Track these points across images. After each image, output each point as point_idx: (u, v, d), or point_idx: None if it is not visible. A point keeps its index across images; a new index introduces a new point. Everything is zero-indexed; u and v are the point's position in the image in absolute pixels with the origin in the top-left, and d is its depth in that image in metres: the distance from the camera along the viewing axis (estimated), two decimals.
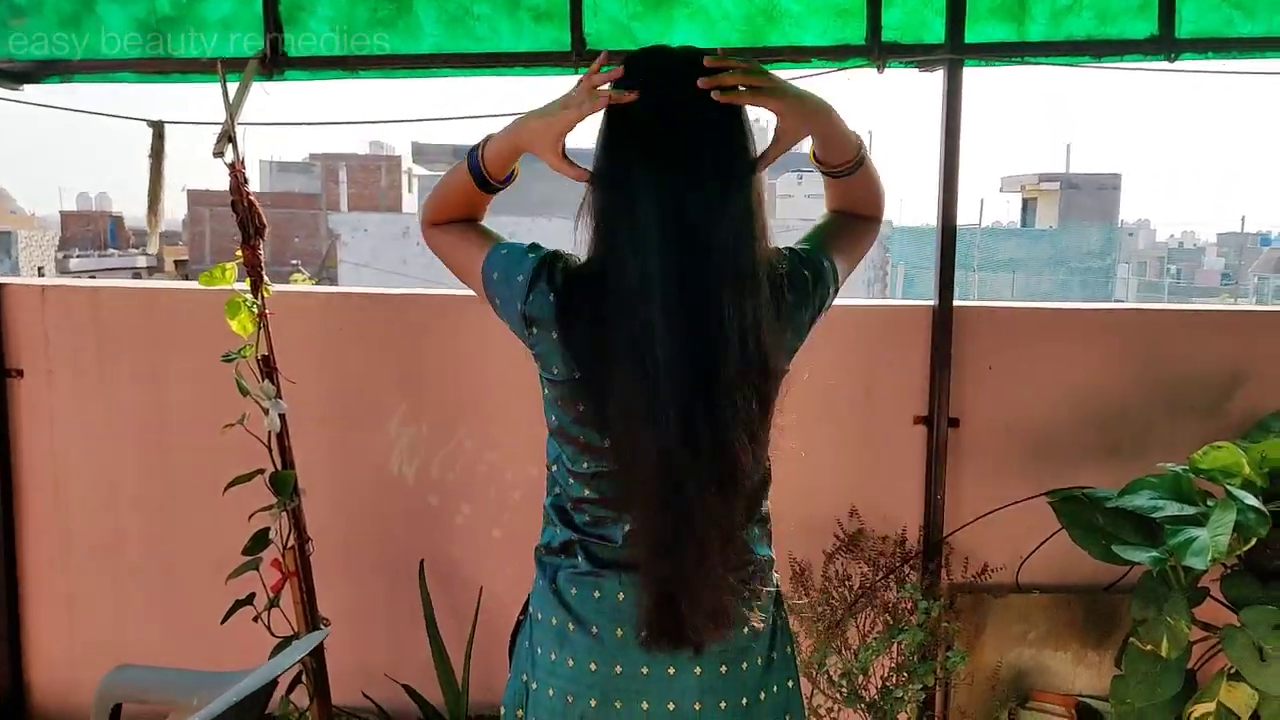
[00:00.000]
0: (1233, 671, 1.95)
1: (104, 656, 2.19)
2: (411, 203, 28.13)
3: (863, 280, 18.77)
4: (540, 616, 1.24)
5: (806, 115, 1.19)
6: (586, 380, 1.15)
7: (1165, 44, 2.33)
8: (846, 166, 1.27)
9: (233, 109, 2.11)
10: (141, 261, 27.25)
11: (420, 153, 27.55)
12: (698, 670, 1.19)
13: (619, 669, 1.19)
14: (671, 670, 1.19)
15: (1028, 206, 29.24)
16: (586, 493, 1.21)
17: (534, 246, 1.24)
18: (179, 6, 2.40)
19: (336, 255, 19.25)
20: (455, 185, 1.27)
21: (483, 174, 1.23)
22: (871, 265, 19.05)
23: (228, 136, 2.05)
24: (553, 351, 1.17)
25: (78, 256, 25.96)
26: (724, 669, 1.21)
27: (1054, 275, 24.07)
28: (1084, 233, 24.46)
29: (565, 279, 1.17)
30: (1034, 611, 2.43)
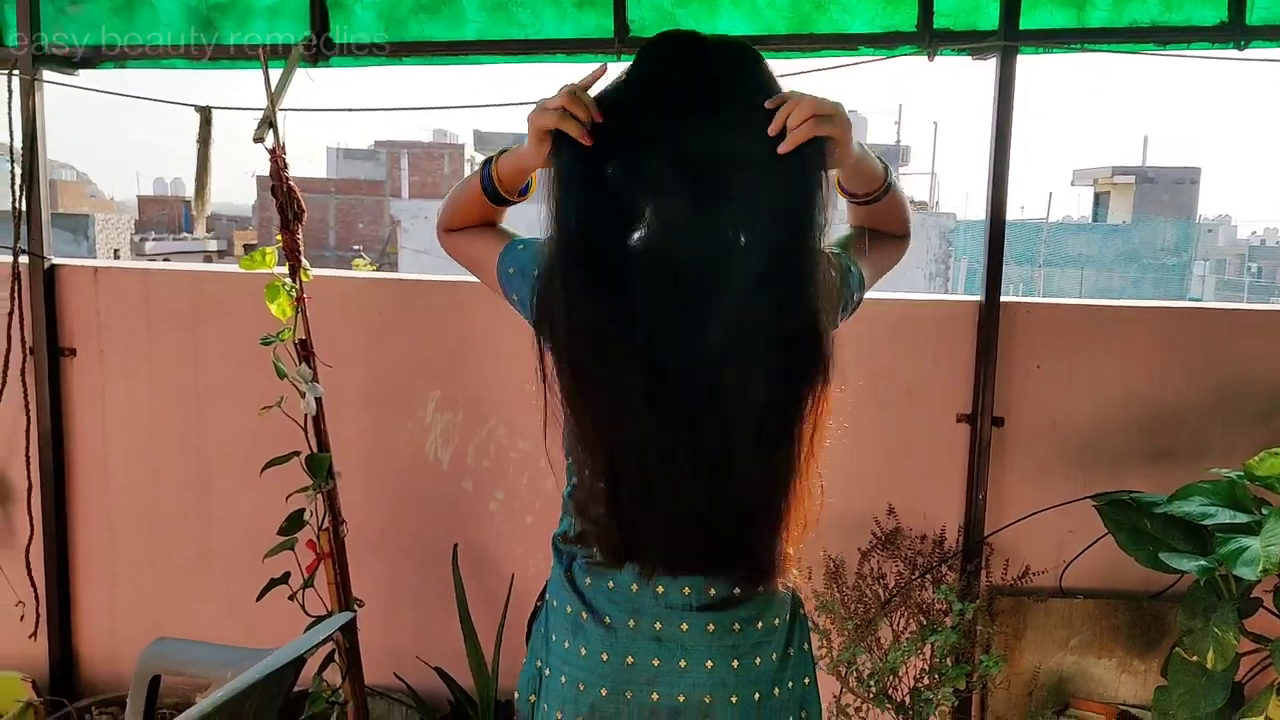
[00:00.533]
0: None
1: (144, 632, 2.26)
2: None
3: (924, 274, 18.46)
4: (556, 604, 1.25)
5: (855, 156, 1.16)
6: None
7: (1235, 31, 2.23)
8: (874, 194, 1.27)
9: (275, 95, 2.14)
10: (213, 245, 28.02)
11: (482, 140, 27.80)
12: (709, 664, 1.19)
13: (630, 660, 1.19)
14: (683, 663, 1.19)
15: (1100, 200, 28.41)
16: None
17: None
18: None
19: (398, 241, 19.54)
20: (468, 197, 1.29)
21: (495, 188, 1.25)
22: (934, 259, 18.71)
23: (269, 122, 2.08)
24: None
25: (153, 240, 26.77)
26: (736, 663, 1.19)
27: (1126, 272, 23.38)
28: (1159, 228, 23.69)
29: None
30: (1077, 617, 2.36)
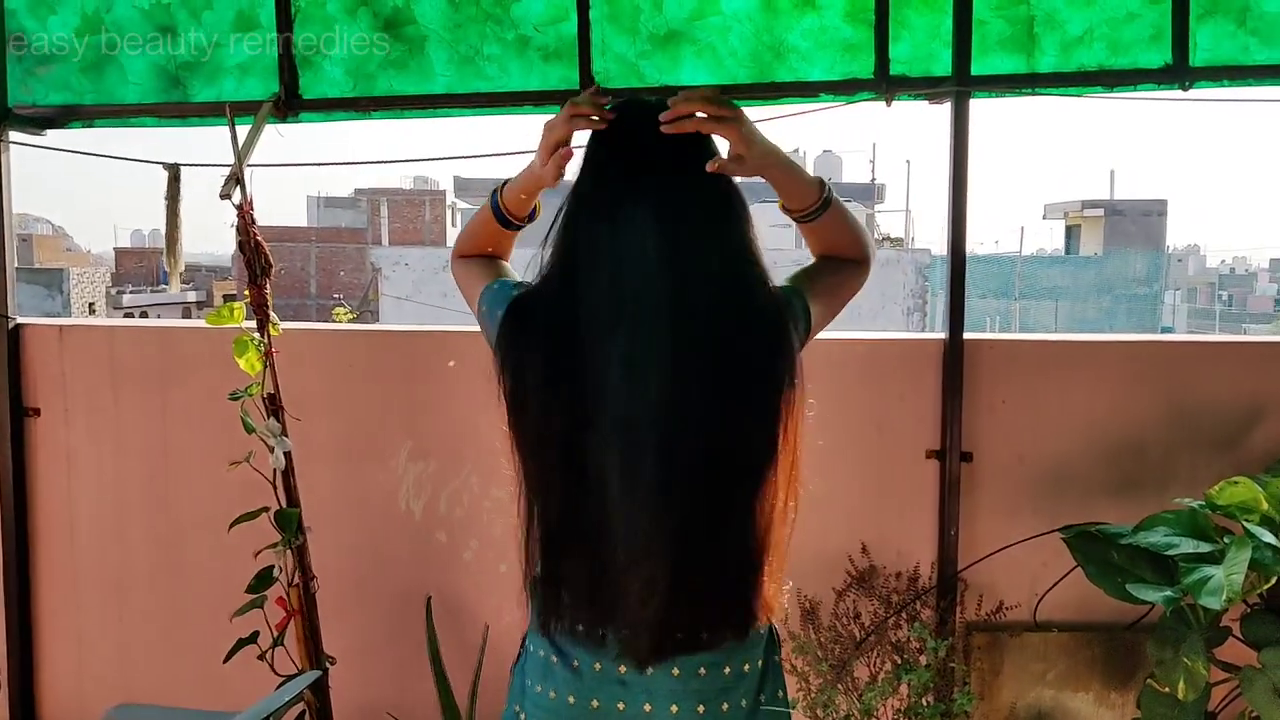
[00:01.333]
0: (1254, 715, 1.87)
1: (111, 694, 2.23)
2: (455, 237, 28.55)
3: (902, 310, 18.63)
4: (531, 649, 1.27)
5: (759, 154, 1.21)
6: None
7: (1179, 73, 2.29)
8: (811, 210, 1.29)
9: (243, 151, 2.17)
10: (192, 296, 27.93)
11: (463, 187, 28.02)
12: (674, 708, 1.19)
13: (595, 703, 1.20)
14: (648, 707, 1.19)
15: (1071, 234, 28.86)
16: None
17: (520, 284, 1.27)
18: (198, 53, 2.47)
19: (379, 289, 19.55)
20: (480, 222, 1.35)
21: (503, 213, 1.30)
22: (911, 294, 18.90)
23: (235, 179, 2.10)
24: None
25: (130, 292, 26.67)
26: (702, 708, 1.20)
27: (1099, 302, 23.68)
28: (1129, 260, 24.05)
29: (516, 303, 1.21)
30: (1052, 650, 2.36)
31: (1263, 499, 1.88)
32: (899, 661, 2.23)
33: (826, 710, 2.17)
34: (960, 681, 2.23)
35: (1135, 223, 26.69)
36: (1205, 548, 1.89)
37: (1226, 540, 1.88)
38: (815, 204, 1.29)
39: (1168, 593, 1.88)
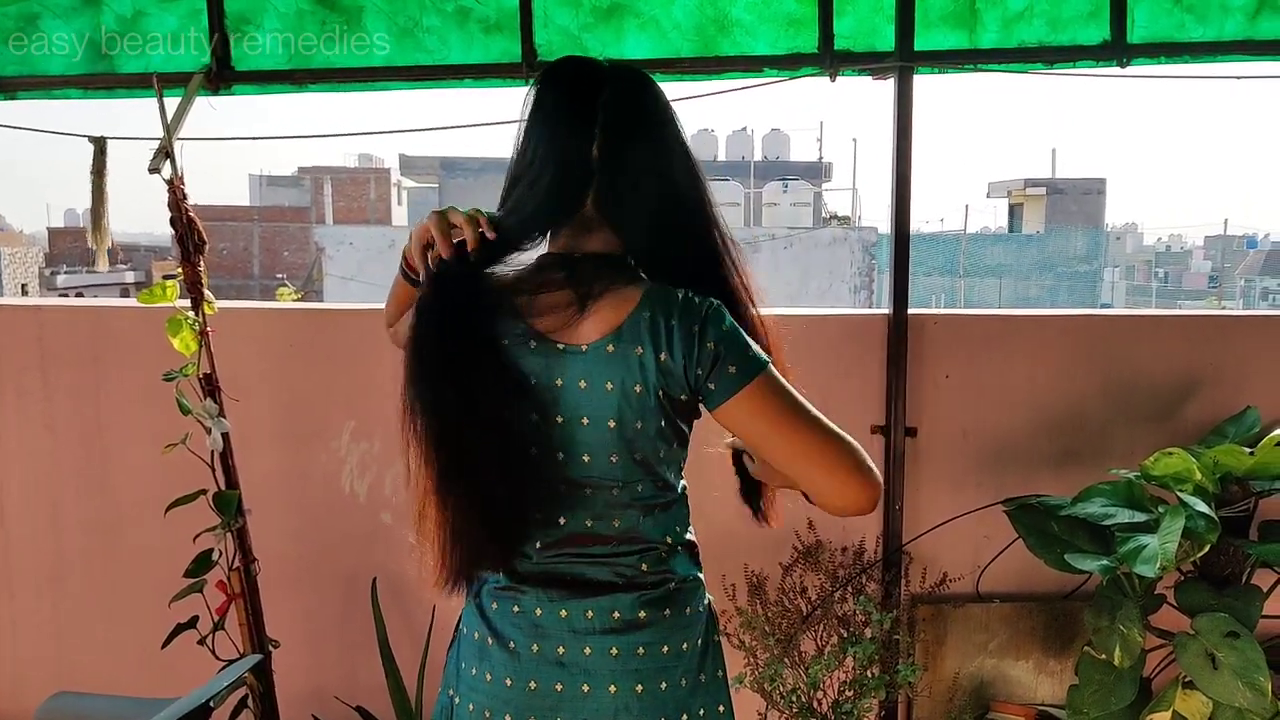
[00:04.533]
0: (1187, 680, 1.93)
1: (48, 682, 2.16)
2: (401, 215, 28.13)
3: (849, 288, 18.82)
4: (466, 631, 1.25)
5: None
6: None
7: (1117, 49, 2.32)
8: None
9: (172, 124, 2.09)
10: (130, 277, 27.18)
11: (408, 165, 27.58)
12: (612, 688, 1.18)
13: (533, 685, 1.18)
14: (586, 688, 1.18)
15: (1014, 212, 29.38)
16: None
17: None
18: (124, 22, 2.38)
19: (323, 268, 19.21)
20: (395, 288, 1.36)
21: (407, 273, 1.29)
22: (858, 273, 19.10)
23: (165, 152, 2.03)
24: None
25: (65, 273, 25.85)
26: (639, 688, 1.19)
27: (1042, 280, 24.19)
28: (1070, 237, 24.60)
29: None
30: (994, 621, 2.41)
31: (1196, 469, 1.93)
32: (845, 635, 2.26)
33: (773, 684, 2.19)
34: (905, 653, 2.27)
35: (1076, 201, 27.26)
36: (1141, 517, 1.94)
37: (1161, 510, 1.93)
38: None
39: (1104, 562, 1.92)
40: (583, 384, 1.15)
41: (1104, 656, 1.93)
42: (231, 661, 2.06)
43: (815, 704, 2.20)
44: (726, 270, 1.23)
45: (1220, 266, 37.01)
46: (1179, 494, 1.92)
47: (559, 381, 1.15)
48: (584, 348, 1.14)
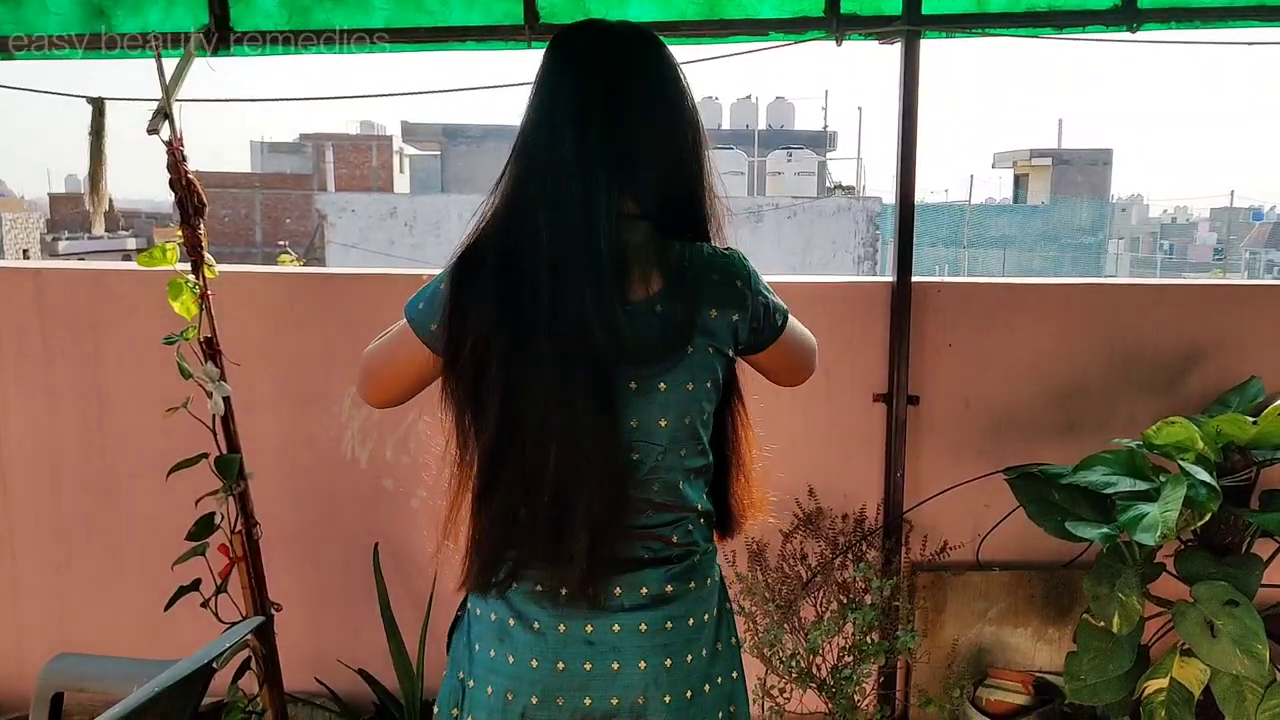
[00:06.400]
0: (1185, 647, 1.94)
1: (51, 645, 2.17)
2: (404, 183, 28.00)
3: (853, 258, 18.74)
4: (479, 612, 1.21)
5: None
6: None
7: (1127, 14, 2.29)
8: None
9: (171, 85, 2.07)
10: (131, 244, 27.09)
11: (411, 132, 27.37)
12: (643, 664, 1.17)
13: (561, 665, 1.16)
14: (616, 665, 1.16)
15: (1020, 182, 29.19)
16: None
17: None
18: None
19: (325, 236, 19.14)
20: (402, 350, 1.26)
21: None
22: (862, 243, 18.99)
23: (164, 114, 2.00)
24: None
25: (66, 239, 25.76)
26: (668, 662, 1.18)
27: (1046, 251, 24.07)
28: (1075, 209, 24.43)
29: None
30: (994, 588, 2.42)
31: (1198, 438, 1.92)
32: (845, 601, 2.27)
33: (773, 649, 2.20)
34: (904, 619, 2.28)
35: (1082, 172, 27.07)
36: (1142, 486, 1.94)
37: (1163, 479, 1.93)
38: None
39: (1104, 530, 1.92)
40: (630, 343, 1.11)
41: (1102, 624, 1.94)
42: (234, 623, 2.07)
43: (815, 669, 2.21)
44: (716, 238, 1.24)
45: (1226, 239, 36.81)
46: (1181, 463, 1.92)
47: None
48: (628, 306, 1.12)
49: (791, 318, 1.27)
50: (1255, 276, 30.61)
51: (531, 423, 1.10)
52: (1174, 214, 47.83)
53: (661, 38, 1.20)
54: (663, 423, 1.15)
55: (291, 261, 8.08)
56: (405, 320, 1.21)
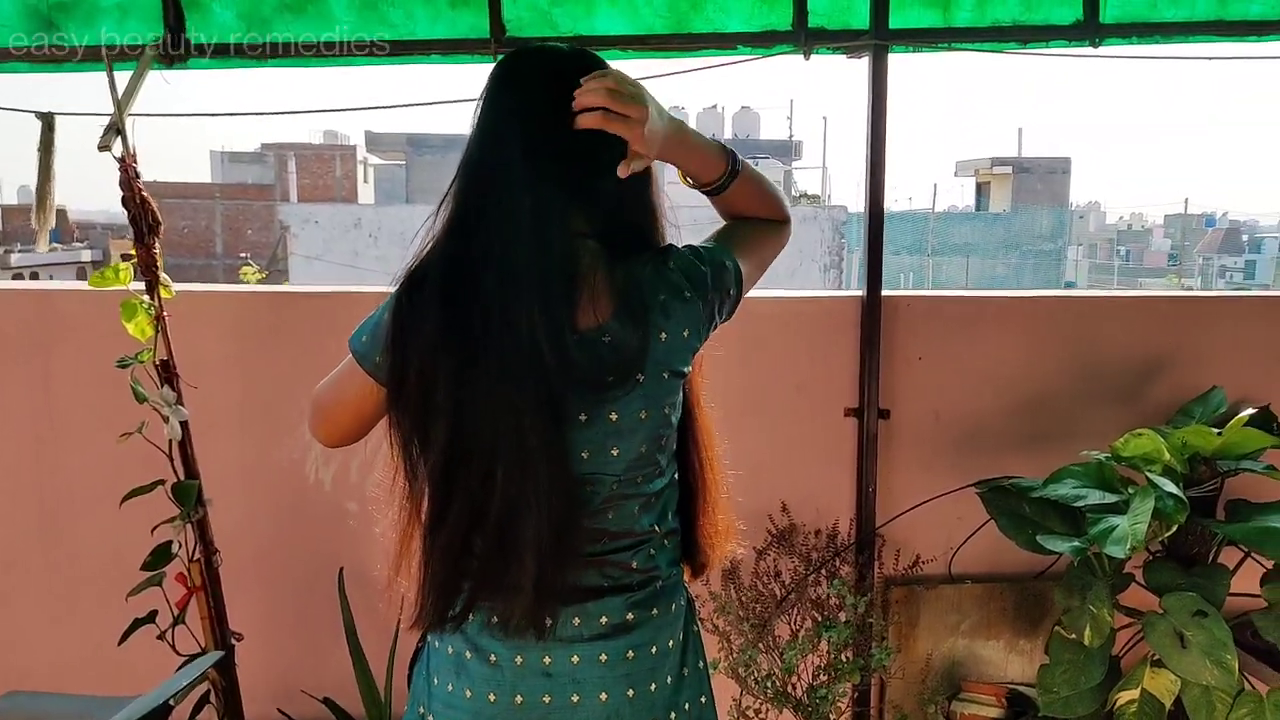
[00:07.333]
0: (1155, 658, 1.94)
1: (2, 682, 2.09)
2: (368, 193, 27.76)
3: (819, 266, 18.86)
4: (437, 645, 1.19)
5: (660, 147, 1.15)
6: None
7: (1090, 29, 2.31)
8: (718, 182, 1.24)
9: (123, 100, 2.01)
10: (86, 256, 26.63)
11: (375, 142, 27.15)
12: (603, 696, 1.14)
13: (519, 699, 1.13)
14: (575, 698, 1.14)
15: (981, 190, 29.58)
16: None
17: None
18: None
19: (287, 248, 18.90)
20: (351, 388, 1.21)
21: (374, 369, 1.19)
22: (829, 251, 19.13)
23: (116, 129, 1.95)
24: None
25: (19, 251, 25.21)
26: (631, 692, 1.16)
27: (1008, 259, 24.40)
28: (1035, 216, 24.80)
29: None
30: (966, 601, 2.41)
31: (1165, 450, 1.93)
32: (819, 619, 2.25)
33: (748, 670, 2.18)
34: (878, 636, 2.26)
35: (1041, 180, 27.48)
36: (1111, 498, 1.95)
37: (1131, 491, 1.94)
38: (721, 175, 1.23)
39: (1075, 543, 1.92)
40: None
41: (1074, 636, 1.94)
42: (193, 657, 2.01)
43: (790, 689, 2.19)
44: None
45: (1180, 244, 37.60)
46: (1148, 474, 1.92)
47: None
48: (576, 335, 1.09)
49: (750, 236, 1.27)
50: (1209, 280, 31.31)
51: (478, 446, 1.07)
52: (1130, 221, 48.80)
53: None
54: (615, 452, 1.12)
55: (254, 273, 7.93)
56: (350, 354, 1.17)
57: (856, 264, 19.96)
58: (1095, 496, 1.96)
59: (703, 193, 1.26)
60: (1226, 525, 1.99)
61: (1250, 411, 2.01)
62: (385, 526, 1.19)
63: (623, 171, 1.09)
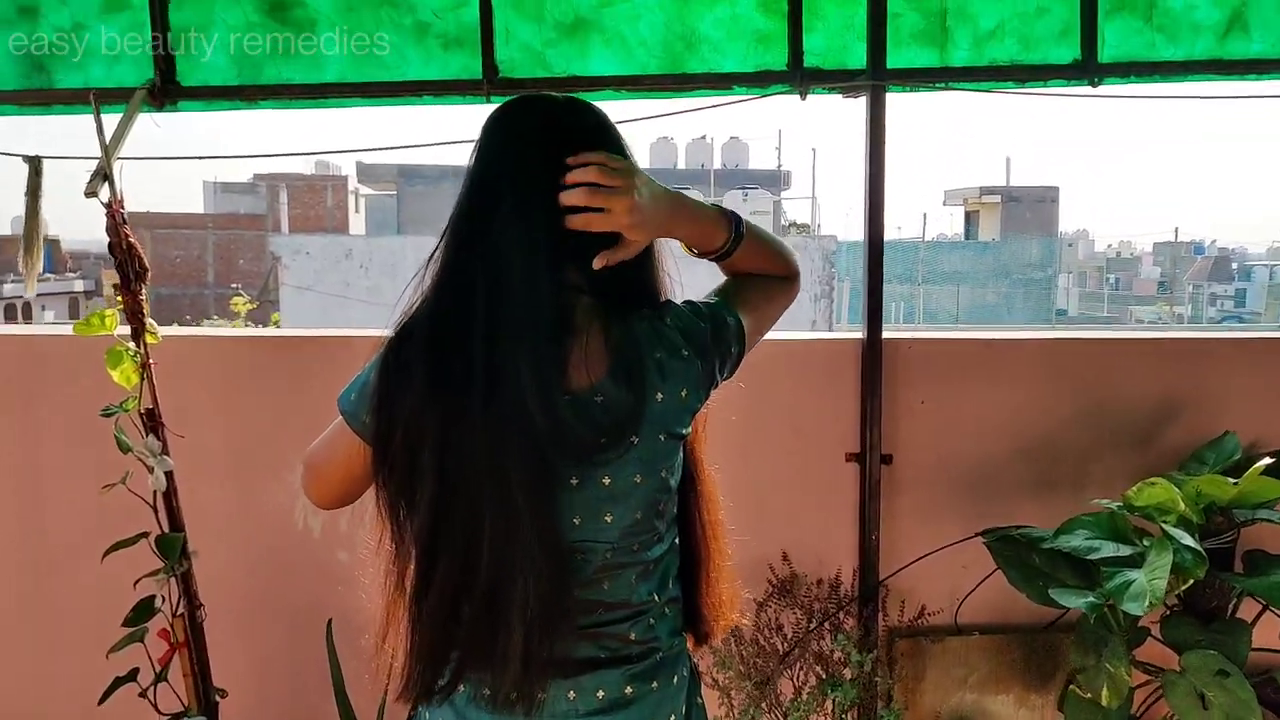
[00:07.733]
0: (1174, 719, 1.88)
1: None
2: (359, 223, 27.79)
3: (810, 296, 18.87)
4: (427, 718, 1.16)
5: (653, 226, 1.11)
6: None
7: (1088, 69, 2.29)
8: (723, 248, 1.20)
9: (112, 143, 1.97)
10: (79, 286, 26.56)
11: (366, 173, 27.23)
12: None
13: None
14: None
15: (970, 219, 29.78)
16: None
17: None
18: (62, 35, 2.25)
19: (279, 278, 18.85)
20: (341, 447, 1.17)
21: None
22: (819, 281, 19.16)
23: (103, 174, 1.91)
24: None
25: (11, 282, 25.14)
26: None
27: (998, 287, 24.49)
28: (1025, 245, 24.93)
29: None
30: (974, 654, 2.35)
31: (1179, 499, 1.88)
32: (823, 675, 2.18)
33: None
34: (884, 696, 2.20)
35: (1030, 209, 27.69)
36: (1126, 551, 1.89)
37: (1145, 542, 1.89)
38: (725, 243, 1.19)
39: (1090, 599, 1.87)
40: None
41: (1090, 696, 1.88)
42: (176, 715, 1.94)
43: None
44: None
45: (1170, 272, 37.83)
46: (1163, 526, 1.87)
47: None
48: (567, 395, 1.05)
49: (757, 290, 1.24)
50: (1198, 308, 31.44)
51: (464, 507, 1.02)
52: (1119, 249, 49.13)
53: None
54: (609, 518, 1.08)
55: (245, 304, 7.88)
56: (340, 415, 1.12)
57: (847, 293, 20.01)
58: (1109, 549, 1.91)
59: (708, 260, 1.22)
60: (1247, 579, 1.94)
61: (1267, 460, 1.96)
62: (372, 591, 1.14)
63: (598, 264, 1.06)
